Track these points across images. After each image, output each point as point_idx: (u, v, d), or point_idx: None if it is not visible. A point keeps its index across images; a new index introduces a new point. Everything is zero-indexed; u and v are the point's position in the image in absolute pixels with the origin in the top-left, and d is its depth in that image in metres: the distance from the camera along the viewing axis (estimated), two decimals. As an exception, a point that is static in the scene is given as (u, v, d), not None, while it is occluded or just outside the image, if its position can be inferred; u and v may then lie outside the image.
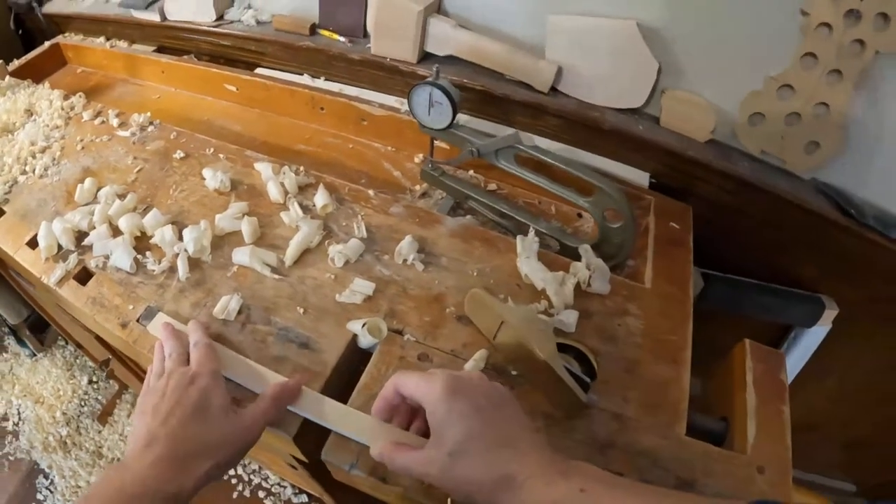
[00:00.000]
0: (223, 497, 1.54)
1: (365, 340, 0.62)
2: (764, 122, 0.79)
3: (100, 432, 1.70)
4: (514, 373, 0.59)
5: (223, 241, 0.75)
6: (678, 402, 0.60)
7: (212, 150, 0.89)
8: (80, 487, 1.61)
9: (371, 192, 0.78)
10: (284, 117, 1.02)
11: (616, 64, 0.79)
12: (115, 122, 0.98)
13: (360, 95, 0.95)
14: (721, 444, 0.59)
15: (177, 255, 0.73)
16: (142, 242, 0.77)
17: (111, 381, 1.78)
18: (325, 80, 1.02)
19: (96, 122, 0.99)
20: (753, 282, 0.91)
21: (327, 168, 0.89)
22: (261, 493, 1.55)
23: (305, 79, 1.03)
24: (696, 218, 0.81)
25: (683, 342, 0.65)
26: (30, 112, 1.04)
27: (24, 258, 0.79)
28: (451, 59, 0.88)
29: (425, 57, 0.89)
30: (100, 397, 1.77)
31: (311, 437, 0.57)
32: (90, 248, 0.77)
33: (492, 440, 0.43)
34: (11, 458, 1.71)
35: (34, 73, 1.15)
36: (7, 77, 1.11)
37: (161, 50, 1.19)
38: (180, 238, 0.75)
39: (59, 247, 0.78)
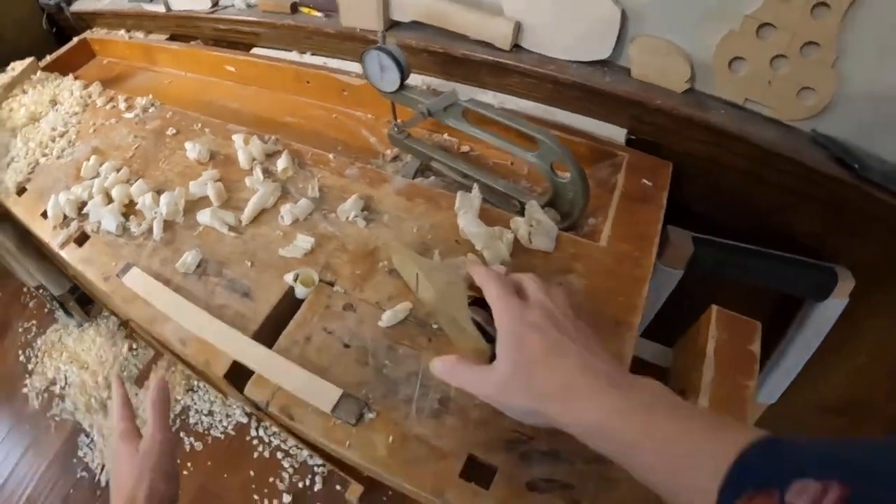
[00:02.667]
0: (245, 457, 1.69)
1: (298, 290, 0.68)
2: (746, 67, 0.76)
3: (136, 395, 1.89)
4: (434, 326, 0.63)
5: (195, 206, 0.84)
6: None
7: (199, 125, 0.99)
8: None
9: (331, 155, 0.84)
10: (276, 92, 1.10)
11: (575, 14, 0.78)
12: (122, 105, 1.11)
13: (341, 67, 1.01)
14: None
15: (154, 218, 0.83)
16: (130, 209, 0.88)
17: (148, 349, 1.98)
18: (312, 54, 1.09)
19: (108, 107, 1.12)
20: (749, 247, 0.88)
21: (309, 138, 0.96)
22: (279, 455, 1.67)
23: (294, 55, 1.11)
24: (683, 177, 0.80)
25: (632, 304, 0.64)
26: (53, 102, 1.19)
27: (38, 227, 0.93)
28: (416, 25, 0.92)
29: (392, 25, 0.94)
30: (137, 363, 1.98)
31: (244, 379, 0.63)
32: (88, 215, 0.89)
33: (564, 350, 0.44)
34: (57, 419, 1.96)
35: (66, 67, 1.32)
36: (38, 72, 1.28)
37: (173, 38, 1.31)
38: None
39: (65, 216, 0.90)
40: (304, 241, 0.72)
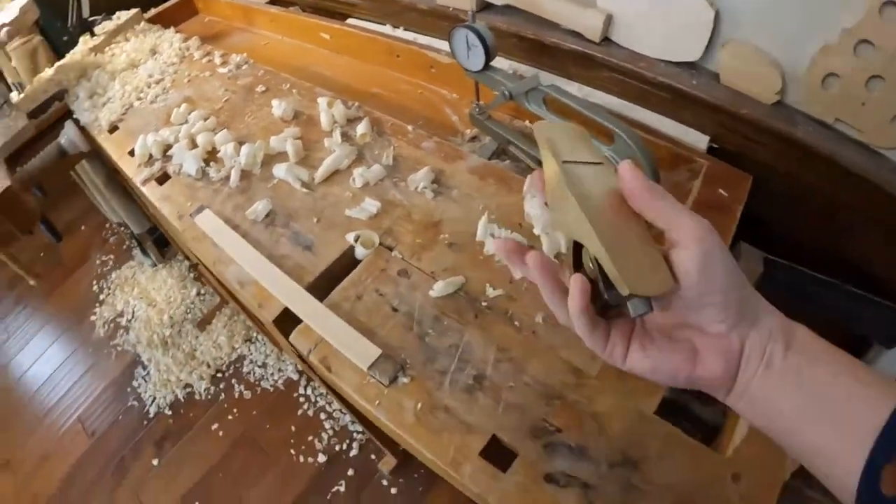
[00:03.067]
0: (289, 412, 1.76)
1: (358, 251, 0.69)
2: (839, 85, 0.69)
3: (197, 337, 2.01)
4: (483, 304, 0.63)
5: (273, 160, 0.87)
6: None
7: (287, 86, 1.03)
8: (169, 381, 1.93)
9: (410, 127, 0.86)
10: (366, 63, 1.13)
11: (668, 11, 0.76)
12: (218, 60, 1.17)
13: (431, 44, 1.02)
14: (710, 441, 0.56)
15: (233, 167, 0.87)
16: (211, 156, 0.93)
17: (214, 296, 2.08)
18: (404, 29, 1.11)
19: (204, 60, 1.19)
20: (820, 276, 0.83)
21: (394, 110, 0.98)
22: (322, 416, 1.73)
23: (387, 28, 1.13)
24: (762, 193, 0.77)
25: None
26: (153, 51, 1.27)
27: (125, 164, 1.00)
28: (508, 9, 0.91)
29: (485, 7, 0.94)
30: (203, 308, 2.09)
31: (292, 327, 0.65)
32: (171, 157, 0.94)
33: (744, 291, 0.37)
34: (119, 348, 2.10)
35: (168, 21, 1.41)
36: (142, 23, 1.36)
37: (273, 2, 1.37)
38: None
39: (150, 156, 0.97)
40: (370, 205, 0.74)
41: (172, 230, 0.98)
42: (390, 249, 0.69)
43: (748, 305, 0.37)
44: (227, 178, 0.87)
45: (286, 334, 0.65)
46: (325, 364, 0.60)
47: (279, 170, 0.83)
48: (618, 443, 0.54)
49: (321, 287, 0.68)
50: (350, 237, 0.70)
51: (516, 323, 0.61)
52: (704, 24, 0.74)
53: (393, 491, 1.59)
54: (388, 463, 1.60)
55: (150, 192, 0.91)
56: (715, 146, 0.81)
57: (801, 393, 0.35)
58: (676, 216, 0.37)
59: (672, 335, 0.39)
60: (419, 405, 0.56)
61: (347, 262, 0.70)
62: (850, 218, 0.77)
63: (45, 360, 2.27)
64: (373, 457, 1.64)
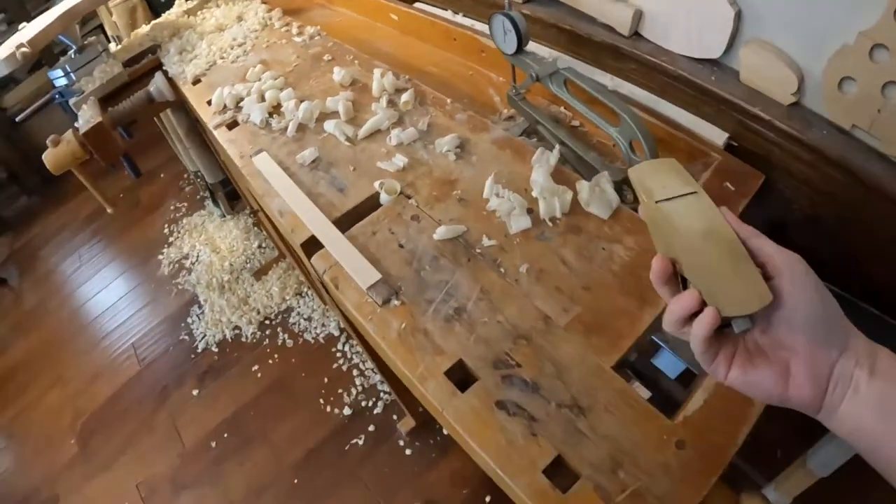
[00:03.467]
0: (325, 365, 1.91)
1: (382, 196, 0.80)
2: (855, 89, 0.69)
3: (252, 285, 2.20)
4: (477, 251, 0.72)
5: (326, 117, 1.00)
6: (621, 337, 0.64)
7: (351, 57, 1.15)
8: (220, 321, 2.13)
9: (448, 100, 0.96)
10: (426, 44, 1.24)
11: (691, 8, 0.80)
12: (294, 31, 1.31)
13: (484, 30, 1.12)
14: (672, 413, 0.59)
15: (292, 119, 1.00)
16: (275, 110, 1.06)
17: (274, 250, 2.26)
18: (463, 15, 1.22)
19: (282, 30, 1.34)
20: (833, 288, 0.83)
21: (443, 87, 1.09)
22: (354, 372, 1.87)
23: (448, 14, 1.24)
24: (777, 198, 0.79)
25: None
26: (239, 18, 1.44)
27: (202, 111, 1.15)
28: (552, 1, 1.00)
29: (531, -1, 1.03)
30: (262, 260, 2.29)
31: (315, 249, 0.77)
32: (241, 108, 1.08)
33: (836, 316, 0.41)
34: (180, 287, 2.32)
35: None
36: (232, -9, 1.53)
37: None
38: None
39: (224, 106, 1.11)
40: (399, 160, 0.84)
41: (235, 171, 1.12)
42: (409, 198, 0.80)
43: (839, 326, 0.41)
44: (286, 128, 0.99)
45: (309, 256, 0.76)
46: (335, 283, 0.72)
47: (329, 125, 0.95)
48: (571, 388, 0.60)
49: (345, 222, 0.79)
50: (377, 184, 0.81)
51: (502, 270, 0.70)
52: (726, 23, 0.78)
53: (408, 452, 1.68)
54: (407, 423, 1.69)
55: (220, 136, 1.06)
56: (734, 144, 0.85)
57: (883, 417, 0.38)
58: (770, 250, 0.42)
59: (770, 356, 0.42)
60: (403, 325, 0.67)
61: (371, 205, 0.81)
62: (868, 232, 0.76)
63: (110, 289, 2.51)
64: (395, 417, 1.75)
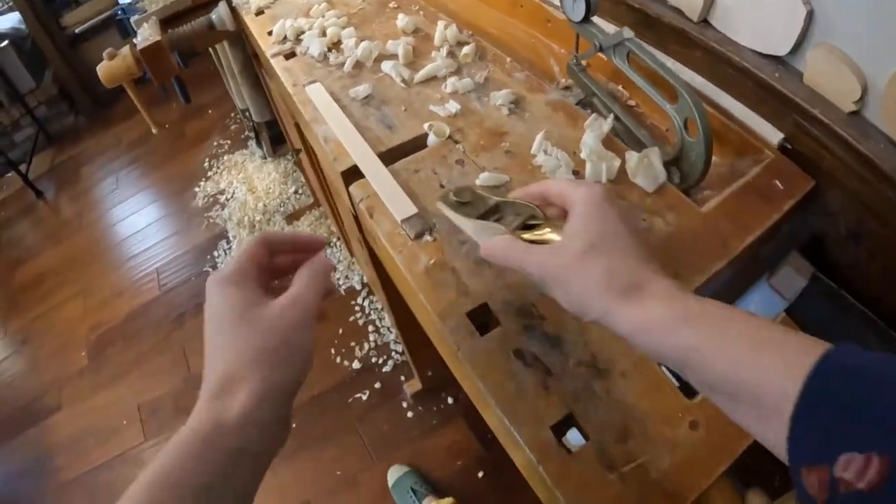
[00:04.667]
0: (342, 317, 1.94)
1: (430, 138, 0.79)
2: None
3: (283, 228, 2.23)
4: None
5: (385, 58, 0.99)
6: None
7: (416, 7, 1.14)
8: None
9: (508, 59, 0.95)
10: (493, 9, 1.22)
11: (763, 2, 0.77)
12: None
13: (552, 0, 1.10)
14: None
15: (350, 56, 0.99)
16: (335, 46, 1.06)
17: (309, 197, 2.29)
18: (534, -16, 1.20)
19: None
20: (872, 316, 0.80)
21: (503, 49, 1.07)
22: (370, 328, 1.88)
23: (519, -20, 1.22)
24: (826, 209, 0.77)
25: (701, 268, 0.67)
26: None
27: (262, 40, 1.16)
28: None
29: (607, -28, 1.01)
30: (296, 205, 2.31)
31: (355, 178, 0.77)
32: (301, 41, 1.08)
33: (632, 249, 0.44)
34: (211, 220, 2.35)
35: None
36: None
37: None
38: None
39: (285, 37, 1.11)
40: (452, 106, 0.84)
41: (283, 109, 1.12)
42: (456, 143, 0.79)
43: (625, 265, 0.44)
44: (342, 64, 0.99)
45: (348, 184, 0.76)
46: (370, 211, 0.71)
47: (387, 65, 0.95)
48: (592, 347, 0.59)
49: (389, 157, 0.79)
50: (426, 126, 0.81)
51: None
52: (796, 21, 0.76)
53: (409, 415, 1.69)
54: (413, 385, 1.70)
55: (277, 64, 1.06)
56: (788, 146, 0.83)
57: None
58: (565, 189, 0.48)
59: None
60: (432, 261, 0.66)
61: (417, 145, 0.81)
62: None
63: (142, 214, 2.56)
64: (402, 378, 1.76)
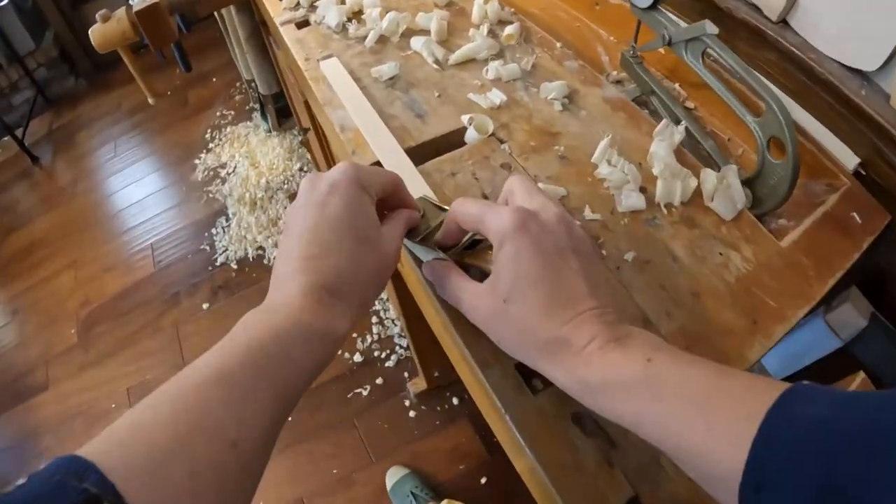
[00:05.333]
0: None
1: (469, 133, 0.66)
2: None
3: (285, 208, 2.08)
4: (576, 223, 0.58)
5: (413, 34, 0.85)
6: (725, 361, 0.52)
7: (450, -22, 0.99)
8: (245, 238, 2.01)
9: (558, 44, 0.81)
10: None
11: (857, 11, 0.66)
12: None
13: (605, -19, 0.96)
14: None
15: (373, 29, 0.85)
16: (356, 16, 0.91)
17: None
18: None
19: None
20: None
21: (546, 31, 0.93)
22: (373, 319, 1.76)
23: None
24: (891, 242, 0.68)
25: (781, 315, 0.56)
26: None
27: (271, 6, 1.01)
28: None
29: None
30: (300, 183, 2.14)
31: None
32: (316, 9, 0.94)
33: (551, 294, 0.39)
34: (211, 194, 2.21)
35: None
36: None
37: None
38: (384, 19, 0.87)
39: (298, 3, 0.97)
40: (496, 95, 0.70)
41: (292, 83, 0.98)
42: (501, 142, 0.66)
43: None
44: (364, 37, 0.85)
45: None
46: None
47: (417, 42, 0.81)
48: None
49: (419, 154, 0.65)
50: (465, 118, 0.67)
51: (604, 252, 0.57)
52: (891, 34, 0.64)
53: (411, 414, 1.59)
54: (417, 384, 1.60)
55: (287, 34, 0.91)
56: (862, 173, 0.72)
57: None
58: (490, 226, 0.42)
59: None
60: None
61: (454, 141, 0.67)
62: None
63: (140, 185, 2.42)
64: (406, 374, 1.65)
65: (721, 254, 0.59)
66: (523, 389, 0.48)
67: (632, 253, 0.56)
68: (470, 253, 0.49)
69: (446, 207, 0.50)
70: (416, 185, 0.59)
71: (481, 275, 0.47)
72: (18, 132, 2.72)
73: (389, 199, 0.47)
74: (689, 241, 0.59)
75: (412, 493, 1.49)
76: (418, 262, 0.52)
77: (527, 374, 0.49)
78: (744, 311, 0.55)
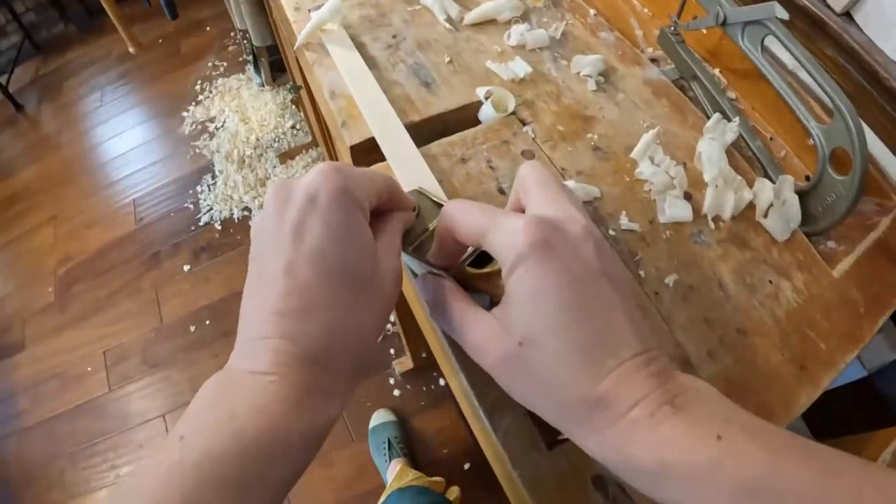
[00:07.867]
0: None
1: (485, 110, 0.53)
2: None
3: (275, 167, 1.94)
4: (610, 232, 0.46)
5: (424, -12, 0.71)
6: (769, 415, 0.42)
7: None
8: (231, 198, 1.87)
9: (592, 11, 0.67)
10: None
11: None
12: None
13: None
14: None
15: (375, -22, 0.71)
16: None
17: (307, 134, 1.99)
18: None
19: None
20: None
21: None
22: None
23: None
24: None
25: (829, 362, 0.45)
26: None
27: None
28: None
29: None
30: (292, 143, 2.00)
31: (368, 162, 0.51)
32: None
33: (584, 339, 0.27)
34: (198, 150, 2.06)
35: None
36: None
37: None
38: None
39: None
40: (520, 67, 0.57)
41: (286, 35, 0.84)
42: (524, 124, 0.53)
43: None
44: (366, -13, 0.71)
45: (359, 164, 0.50)
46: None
47: (426, -4, 0.67)
48: None
49: (423, 132, 0.53)
50: (481, 91, 0.54)
51: (641, 273, 0.45)
52: None
53: (396, 392, 1.51)
54: (403, 364, 1.51)
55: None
56: None
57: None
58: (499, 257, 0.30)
59: None
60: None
61: (466, 117, 0.54)
62: None
63: (125, 137, 2.26)
64: (392, 351, 1.55)
65: (771, 282, 0.48)
66: (535, 443, 0.38)
67: (673, 276, 0.45)
68: (474, 270, 0.37)
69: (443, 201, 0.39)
70: (416, 174, 0.47)
71: (490, 295, 0.35)
72: (3, 78, 2.53)
73: (381, 206, 0.34)
74: (738, 264, 0.47)
75: (389, 440, 1.42)
76: (411, 273, 0.40)
77: (542, 427, 0.38)
78: (792, 354, 0.45)
